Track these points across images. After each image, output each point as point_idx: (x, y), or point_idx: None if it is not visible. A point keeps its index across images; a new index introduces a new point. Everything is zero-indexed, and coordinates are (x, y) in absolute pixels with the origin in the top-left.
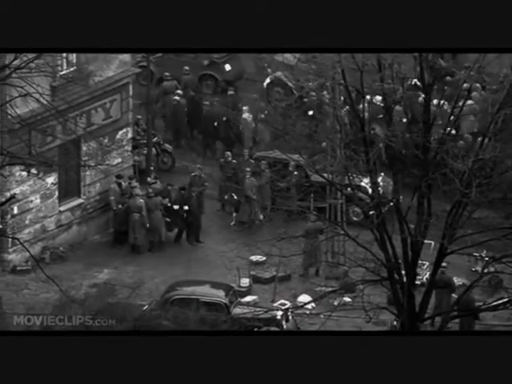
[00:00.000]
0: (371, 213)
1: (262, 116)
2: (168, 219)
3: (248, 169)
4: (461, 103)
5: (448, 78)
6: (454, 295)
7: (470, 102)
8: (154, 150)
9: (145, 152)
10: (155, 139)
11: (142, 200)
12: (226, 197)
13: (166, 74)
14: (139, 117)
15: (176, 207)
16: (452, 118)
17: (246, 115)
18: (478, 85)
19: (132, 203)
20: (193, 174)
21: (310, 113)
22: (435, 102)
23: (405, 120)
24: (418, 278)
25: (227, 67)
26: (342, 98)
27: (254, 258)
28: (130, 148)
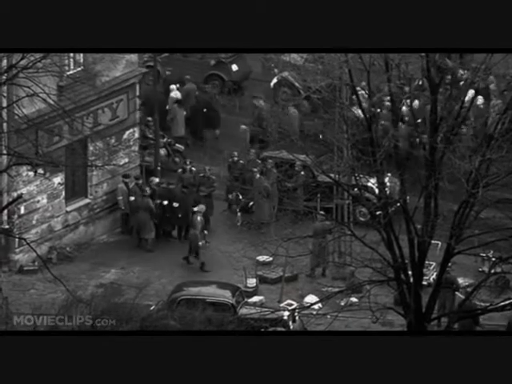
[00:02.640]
0: (378, 213)
1: (179, 97)
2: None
3: (255, 169)
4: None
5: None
6: (458, 294)
7: (496, 101)
8: (165, 150)
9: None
10: (165, 139)
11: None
12: (230, 196)
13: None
14: (149, 118)
15: (176, 205)
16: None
17: (173, 93)
18: (492, 77)
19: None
20: (201, 174)
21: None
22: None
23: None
24: (425, 278)
25: (234, 67)
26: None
27: (260, 258)
28: (137, 148)
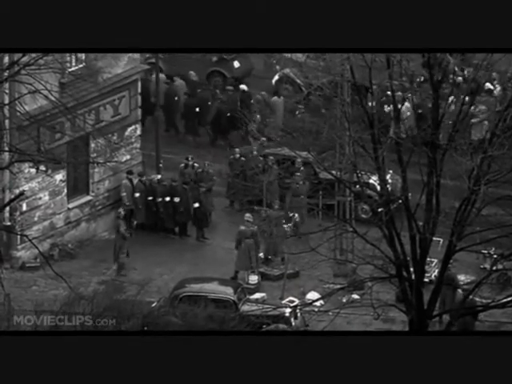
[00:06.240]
0: (380, 210)
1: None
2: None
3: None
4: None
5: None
6: (459, 291)
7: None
8: None
9: None
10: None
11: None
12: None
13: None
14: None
15: (177, 199)
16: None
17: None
18: (495, 74)
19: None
20: (199, 170)
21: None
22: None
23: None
24: (427, 275)
25: (236, 64)
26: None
27: (262, 254)
28: (138, 145)
